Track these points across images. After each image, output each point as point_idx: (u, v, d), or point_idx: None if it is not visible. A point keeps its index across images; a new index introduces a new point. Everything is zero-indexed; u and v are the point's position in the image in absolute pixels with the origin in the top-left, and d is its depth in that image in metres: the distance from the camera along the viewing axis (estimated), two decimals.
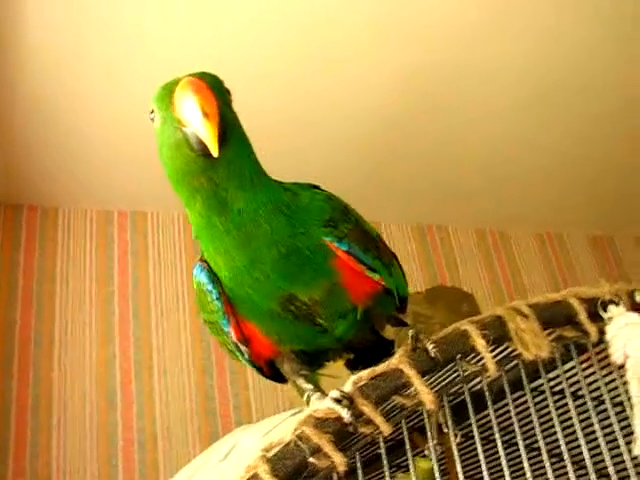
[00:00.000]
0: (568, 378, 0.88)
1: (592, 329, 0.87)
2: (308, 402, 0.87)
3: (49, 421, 2.17)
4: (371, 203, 2.62)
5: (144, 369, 2.33)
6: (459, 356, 0.81)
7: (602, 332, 0.87)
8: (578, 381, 0.88)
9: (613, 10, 2.15)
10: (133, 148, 2.28)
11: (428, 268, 2.96)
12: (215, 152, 0.75)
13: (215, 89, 0.80)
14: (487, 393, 0.84)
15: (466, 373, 0.82)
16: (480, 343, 0.80)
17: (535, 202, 3.08)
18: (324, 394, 0.85)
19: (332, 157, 2.53)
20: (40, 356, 2.26)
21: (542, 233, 3.29)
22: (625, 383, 0.84)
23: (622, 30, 2.24)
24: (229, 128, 0.81)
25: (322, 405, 0.75)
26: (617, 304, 0.88)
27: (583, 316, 0.87)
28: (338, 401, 0.74)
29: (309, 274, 0.88)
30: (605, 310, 0.88)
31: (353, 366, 1.13)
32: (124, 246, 2.55)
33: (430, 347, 0.79)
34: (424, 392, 0.76)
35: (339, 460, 0.70)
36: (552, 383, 0.90)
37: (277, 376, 1.02)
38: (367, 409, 0.74)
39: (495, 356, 0.85)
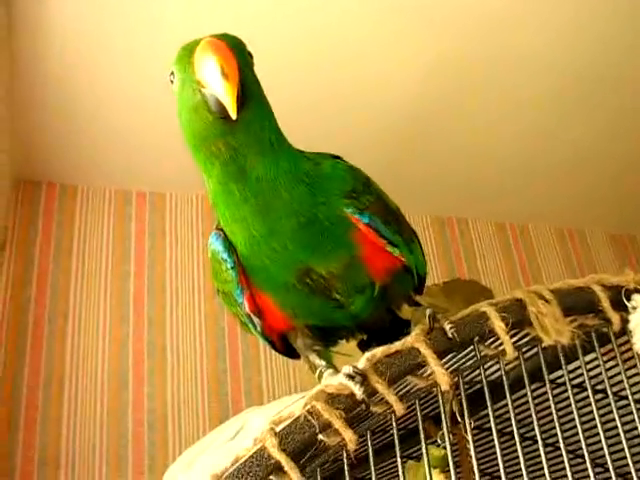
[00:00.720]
0: (589, 370, 0.85)
1: (615, 317, 0.84)
2: (320, 378, 0.86)
3: (60, 398, 2.17)
4: (391, 194, 2.60)
5: (157, 350, 2.32)
6: (477, 338, 0.79)
7: (625, 321, 0.85)
8: (599, 374, 0.86)
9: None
10: (153, 130, 2.28)
11: (446, 260, 2.93)
12: (234, 114, 0.73)
13: (237, 50, 0.78)
14: (504, 380, 0.82)
15: (483, 354, 0.80)
16: (499, 325, 0.78)
17: (557, 197, 3.04)
18: (337, 370, 0.83)
19: (355, 147, 2.49)
20: (53, 333, 2.26)
21: (563, 229, 3.25)
22: None
23: None
24: (249, 91, 0.79)
25: (334, 380, 0.73)
26: None
27: (606, 303, 0.84)
28: (351, 377, 0.72)
29: (328, 246, 0.86)
30: (629, 299, 0.85)
31: (366, 347, 1.10)
32: (141, 226, 2.54)
33: (447, 327, 0.77)
34: (439, 373, 0.74)
35: (349, 437, 0.69)
36: (572, 375, 0.88)
37: (289, 351, 1.00)
38: (380, 387, 0.72)
39: (514, 341, 0.83)
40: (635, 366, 0.85)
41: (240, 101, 0.74)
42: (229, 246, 0.89)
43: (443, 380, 0.74)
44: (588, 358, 0.88)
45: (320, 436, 0.70)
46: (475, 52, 2.21)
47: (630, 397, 0.83)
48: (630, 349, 0.86)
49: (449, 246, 2.97)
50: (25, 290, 2.30)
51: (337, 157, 0.94)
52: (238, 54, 0.78)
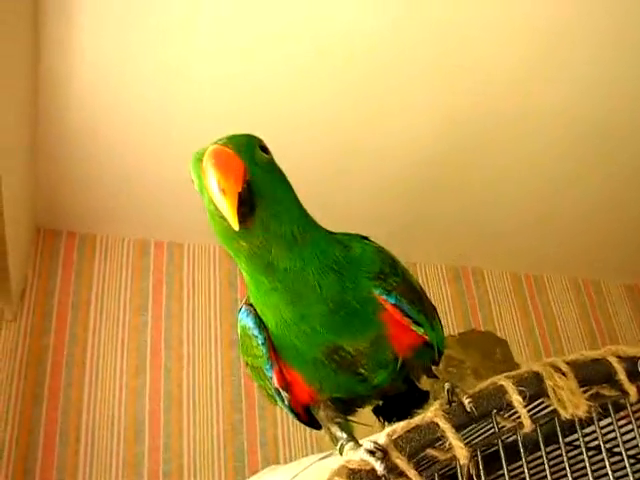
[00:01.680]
0: (604, 434, 0.86)
1: (632, 389, 0.85)
2: (341, 451, 0.87)
3: (76, 447, 2.18)
4: (407, 244, 2.63)
5: (173, 400, 2.33)
6: (494, 411, 0.80)
7: None
8: (615, 437, 0.87)
9: None
10: (171, 181, 2.31)
11: (462, 310, 2.94)
12: (236, 226, 0.75)
13: (243, 153, 0.80)
14: (521, 447, 0.83)
15: (501, 427, 0.81)
16: (517, 399, 0.79)
17: (572, 248, 3.05)
18: (357, 443, 0.84)
19: (370, 199, 2.54)
20: (71, 382, 2.28)
21: (578, 279, 3.25)
22: None
23: None
24: (261, 191, 0.81)
25: (356, 456, 0.74)
26: None
27: (622, 375, 0.85)
28: (372, 453, 0.73)
29: (357, 326, 0.88)
30: None
31: (381, 412, 1.12)
32: (159, 276, 2.57)
33: (466, 401, 0.79)
34: (458, 447, 0.75)
35: None
36: (588, 439, 0.89)
37: (312, 421, 1.02)
38: (401, 462, 0.73)
39: (531, 412, 0.84)
40: None
41: (248, 208, 0.78)
42: (260, 323, 0.92)
43: (462, 454, 0.75)
44: (604, 423, 0.89)
45: None
46: (493, 105, 2.25)
47: None
48: None
49: (464, 296, 2.98)
50: (43, 338, 2.32)
51: (365, 238, 0.97)
52: (245, 156, 0.80)
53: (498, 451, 0.84)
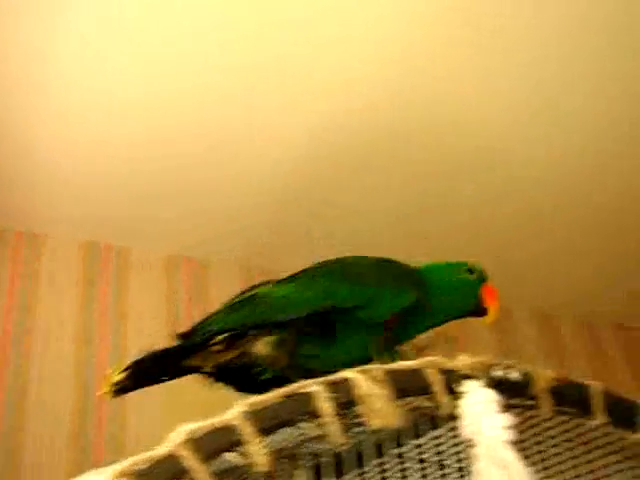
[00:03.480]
0: (436, 446, 0.86)
1: (446, 402, 0.85)
2: None
3: None
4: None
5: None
6: (301, 417, 0.77)
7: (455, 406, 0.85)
8: (442, 451, 0.86)
9: None
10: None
11: None
12: None
13: None
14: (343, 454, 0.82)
15: (308, 435, 0.79)
16: (324, 406, 0.77)
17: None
18: None
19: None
20: None
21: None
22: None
23: None
24: None
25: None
26: (475, 379, 0.87)
27: (438, 388, 0.85)
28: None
29: None
30: (461, 384, 0.86)
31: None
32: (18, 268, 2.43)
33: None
34: (257, 452, 0.72)
35: None
36: (416, 451, 0.88)
37: None
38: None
39: (345, 421, 0.82)
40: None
41: None
42: None
43: (261, 460, 0.72)
44: (433, 434, 0.89)
45: None
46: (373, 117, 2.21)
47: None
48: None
49: None
50: None
51: None
52: None
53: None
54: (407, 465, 0.92)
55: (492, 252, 2.54)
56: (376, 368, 0.83)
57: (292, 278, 1.26)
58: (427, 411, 0.87)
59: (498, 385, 0.91)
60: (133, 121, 2.06)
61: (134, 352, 1.24)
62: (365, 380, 0.80)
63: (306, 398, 0.76)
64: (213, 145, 2.16)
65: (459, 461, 0.90)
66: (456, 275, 1.28)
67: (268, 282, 1.28)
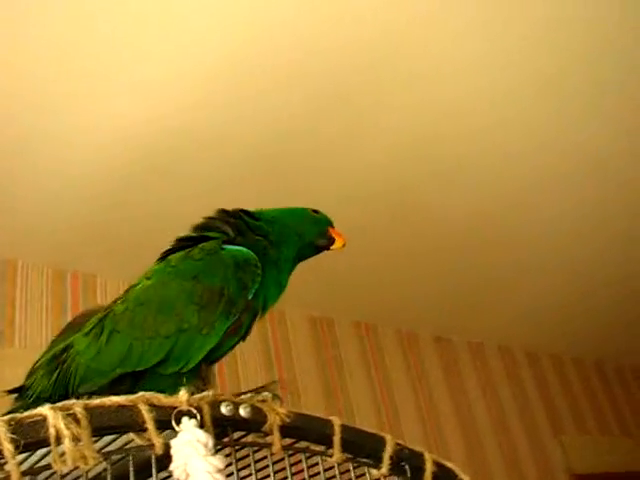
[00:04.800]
0: None
1: (157, 441, 0.80)
2: None
3: None
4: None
5: None
6: None
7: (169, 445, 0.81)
8: None
9: None
10: None
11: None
12: None
13: None
14: None
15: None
16: (5, 448, 0.71)
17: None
18: None
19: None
20: None
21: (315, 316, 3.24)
22: None
23: None
24: None
25: None
26: (194, 417, 0.83)
27: (150, 425, 0.80)
28: None
29: None
30: (179, 422, 0.82)
31: None
32: None
33: None
34: None
35: None
36: None
37: None
38: None
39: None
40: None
41: None
42: None
43: None
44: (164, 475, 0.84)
45: None
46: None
47: None
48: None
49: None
50: None
51: None
52: None
53: None
54: None
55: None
56: (74, 403, 0.77)
57: (96, 331, 1.11)
58: (146, 450, 0.82)
59: (227, 421, 0.88)
60: None
61: None
62: (60, 418, 0.75)
63: None
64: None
65: None
66: (303, 211, 1.33)
67: (87, 319, 1.18)
